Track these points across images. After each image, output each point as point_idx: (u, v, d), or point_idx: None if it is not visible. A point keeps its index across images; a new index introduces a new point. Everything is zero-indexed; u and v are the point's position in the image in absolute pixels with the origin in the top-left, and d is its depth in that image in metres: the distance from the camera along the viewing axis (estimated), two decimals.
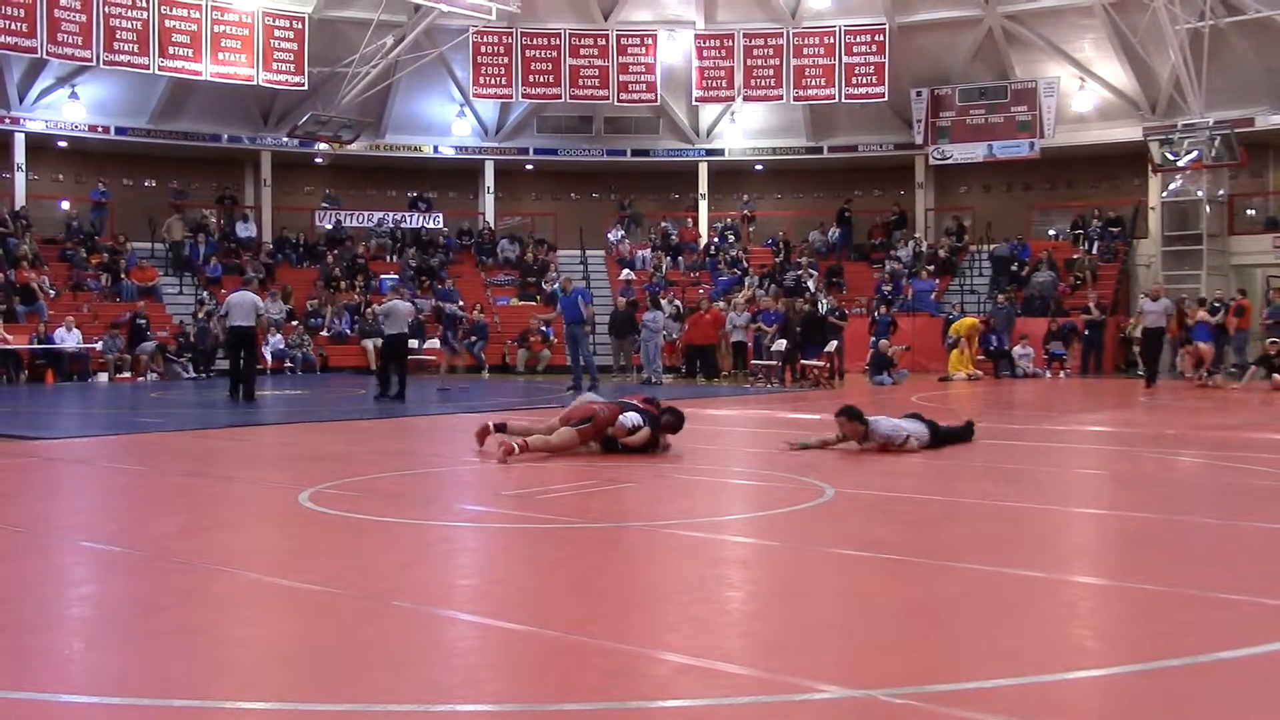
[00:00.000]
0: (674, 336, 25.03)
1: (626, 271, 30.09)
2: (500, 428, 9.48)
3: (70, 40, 26.24)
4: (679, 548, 5.42)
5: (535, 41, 30.87)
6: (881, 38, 30.14)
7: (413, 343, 25.90)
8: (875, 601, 4.34)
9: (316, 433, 11.55)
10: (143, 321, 25.00)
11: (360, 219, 32.29)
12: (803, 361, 21.38)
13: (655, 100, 31.44)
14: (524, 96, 31.13)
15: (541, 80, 31.01)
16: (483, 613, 4.19)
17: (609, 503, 6.87)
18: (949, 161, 31.07)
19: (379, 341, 25.92)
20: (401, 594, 4.44)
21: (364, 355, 26.14)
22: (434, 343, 26.71)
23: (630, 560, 5.19)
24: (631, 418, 9.10)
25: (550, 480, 7.82)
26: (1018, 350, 24.68)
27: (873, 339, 23.65)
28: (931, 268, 29.69)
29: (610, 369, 23.85)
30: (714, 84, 31.36)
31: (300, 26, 29.04)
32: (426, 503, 6.84)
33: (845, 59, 30.42)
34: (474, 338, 26.70)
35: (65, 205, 29.93)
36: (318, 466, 8.47)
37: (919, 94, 30.80)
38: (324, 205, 32.48)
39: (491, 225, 32.72)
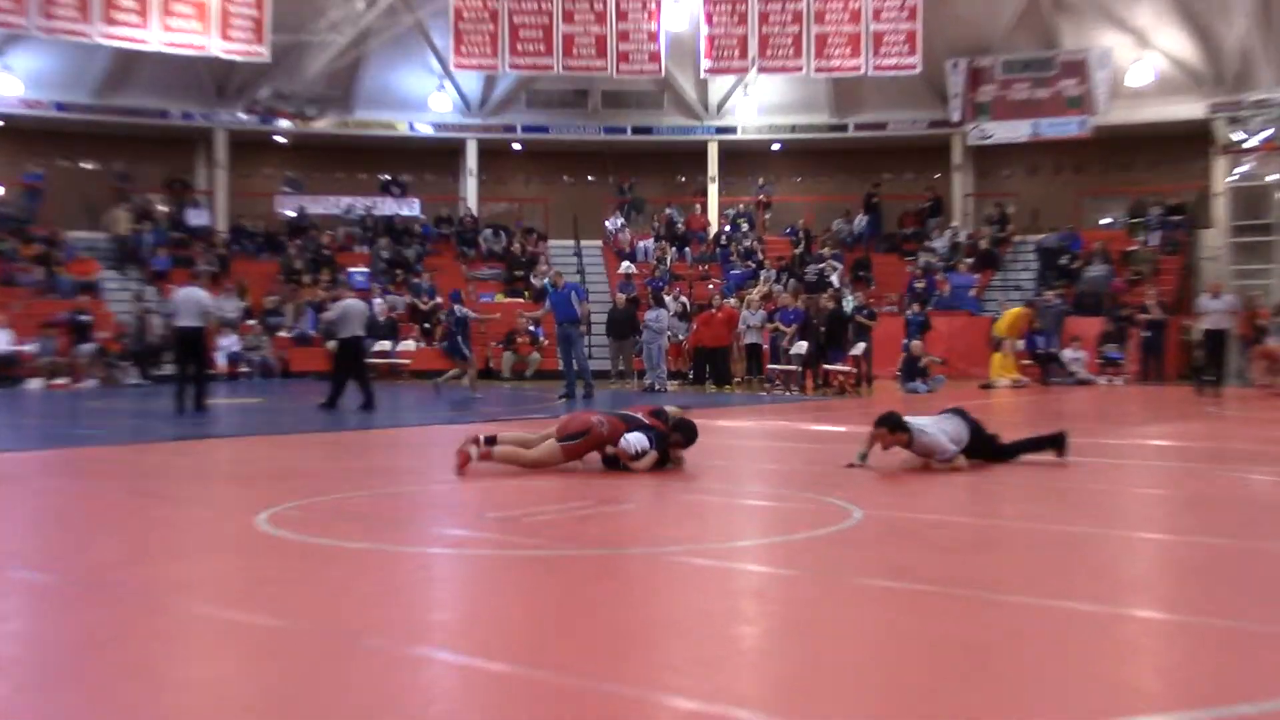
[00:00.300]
0: (680, 338, 25.05)
1: (626, 264, 30.12)
2: (490, 440, 9.29)
3: (1, 5, 26.27)
4: (685, 577, 5.40)
5: (524, 6, 30.89)
6: (914, 2, 30.16)
7: (382, 344, 26.16)
8: (908, 639, 4.31)
9: (276, 447, 11.54)
10: (83, 320, 25.00)
11: (326, 205, 32.36)
12: (826, 366, 21.37)
13: (659, 72, 31.46)
14: (511, 68, 31.15)
15: (531, 49, 31.04)
16: (464, 652, 4.16)
17: (606, 526, 6.84)
18: (989, 141, 31.09)
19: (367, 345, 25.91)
20: (372, 630, 4.42)
21: (331, 359, 26.15)
22: (408, 344, 26.74)
23: (631, 592, 5.17)
24: (637, 440, 9.03)
25: (540, 501, 7.80)
26: (1068, 353, 24.69)
27: (905, 341, 23.65)
28: (970, 260, 29.72)
29: (608, 374, 23.86)
30: (725, 54, 31.38)
31: None
32: (400, 526, 6.82)
33: (873, 26, 30.44)
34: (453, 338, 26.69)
35: None
36: (277, 485, 8.46)
37: (955, 66, 30.83)
38: (286, 190, 32.54)
39: (474, 212, 32.76)
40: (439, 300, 28.51)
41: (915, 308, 24.86)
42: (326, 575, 5.41)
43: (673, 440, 9.14)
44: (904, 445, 9.01)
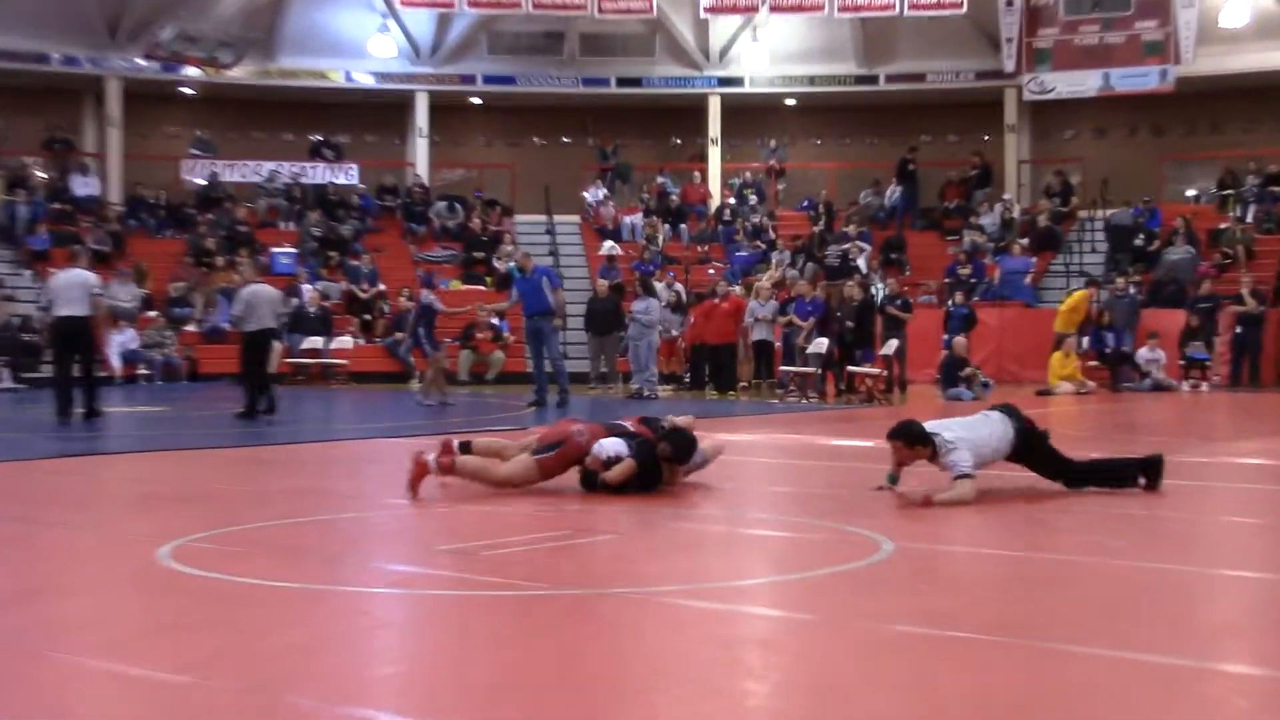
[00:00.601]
0: (674, 333, 25.07)
1: (609, 244, 30.12)
2: (465, 447, 9.28)
3: None
4: (679, 622, 5.41)
5: None
6: None
7: (312, 341, 26.15)
8: (946, 698, 4.33)
9: (183, 464, 11.53)
10: None
11: (244, 172, 32.34)
12: (850, 368, 21.42)
13: (650, 11, 31.53)
14: (470, 4, 31.17)
15: None
16: (409, 713, 4.17)
17: (584, 561, 6.85)
18: (1050, 96, 31.19)
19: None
20: (299, 686, 4.42)
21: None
22: (344, 341, 26.74)
23: (613, 640, 5.18)
24: (612, 445, 9.04)
25: (504, 530, 7.79)
26: (1144, 353, 24.75)
27: (945, 338, 23.68)
28: (1025, 241, 29.80)
29: (587, 377, 23.86)
30: None
31: None
32: (335, 561, 6.83)
33: None
34: (399, 335, 26.73)
35: None
36: (184, 511, 8.46)
37: (1010, 4, 30.90)
38: (194, 152, 32.48)
39: (424, 181, 32.75)
40: (381, 287, 28.51)
41: (957, 298, 24.91)
42: (242, 620, 5.41)
43: (660, 451, 9.09)
44: (929, 460, 8.73)
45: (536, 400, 18.89)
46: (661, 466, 9.16)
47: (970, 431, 8.73)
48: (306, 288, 27.66)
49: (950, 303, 24.99)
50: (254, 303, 16.61)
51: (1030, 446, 8.93)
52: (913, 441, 8.71)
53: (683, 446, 9.19)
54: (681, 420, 9.66)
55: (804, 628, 5.35)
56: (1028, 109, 32.32)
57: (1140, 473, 9.09)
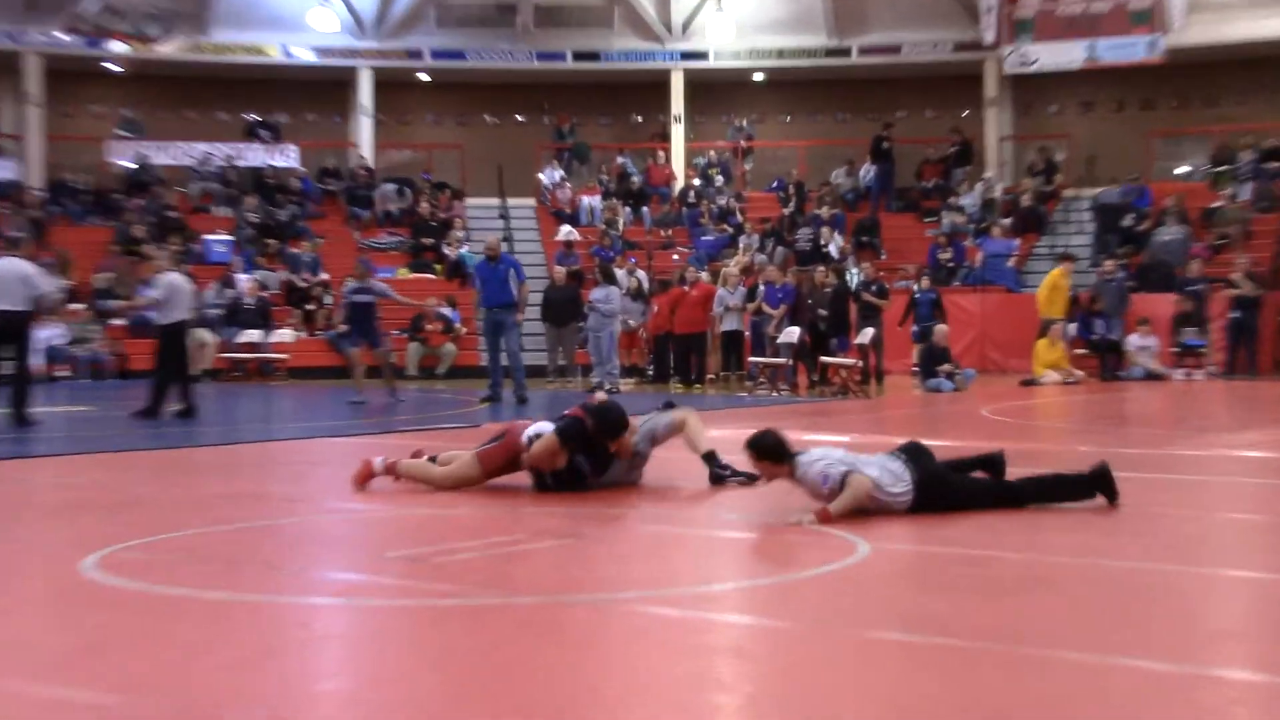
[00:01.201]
0: (635, 323, 25.09)
1: (567, 229, 30.14)
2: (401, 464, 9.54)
3: None
4: (644, 632, 5.40)
5: None
6: None
7: (249, 334, 26.03)
8: (927, 708, 4.33)
9: (110, 469, 11.47)
10: None
11: (175, 154, 32.18)
12: (824, 359, 21.47)
13: None
14: None
15: None
16: None
17: (541, 567, 6.84)
18: (1032, 69, 31.36)
19: (202, 332, 25.62)
20: (237, 705, 4.39)
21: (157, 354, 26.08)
22: (284, 334, 26.63)
23: (573, 652, 5.17)
24: (535, 426, 9.19)
25: (456, 534, 7.76)
26: (1134, 340, 24.92)
27: (914, 329, 23.79)
28: (1008, 222, 29.95)
29: (544, 371, 23.85)
30: None
31: None
32: (275, 570, 6.80)
33: None
34: (343, 327, 26.63)
35: None
36: (112, 519, 8.41)
37: None
38: (120, 133, 32.28)
39: (369, 163, 32.66)
40: (324, 277, 28.41)
41: (923, 283, 24.85)
42: (176, 635, 5.37)
43: (592, 427, 9.01)
44: (788, 479, 8.15)
45: (491, 396, 18.87)
46: (604, 448, 9.15)
47: (851, 462, 8.05)
48: (243, 278, 27.55)
49: (916, 288, 24.97)
50: (172, 293, 16.47)
51: (942, 494, 8.07)
52: (766, 456, 8.12)
53: (607, 420, 9.13)
54: (677, 416, 9.72)
55: (777, 635, 5.35)
56: (1009, 82, 32.47)
57: (1090, 489, 8.39)
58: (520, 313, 19.53)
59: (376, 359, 20.26)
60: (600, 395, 9.97)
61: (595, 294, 22.54)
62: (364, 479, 9.48)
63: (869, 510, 7.86)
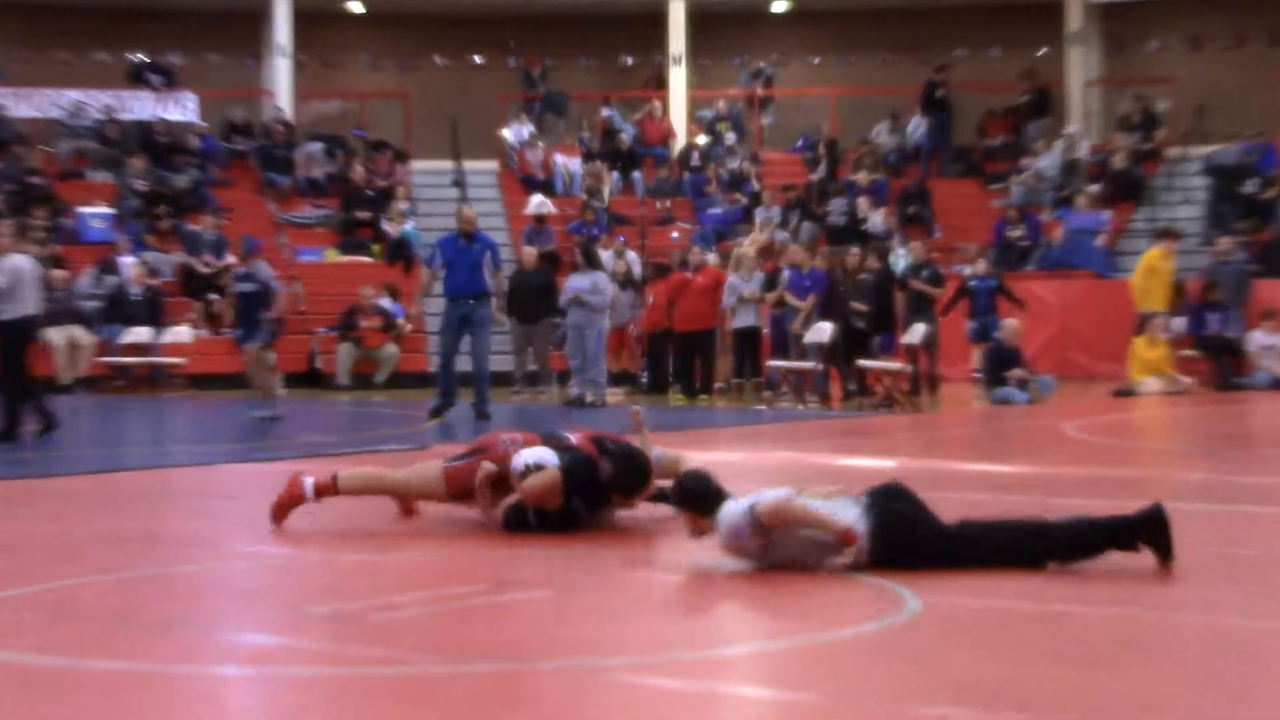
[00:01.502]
0: (625, 318, 25.06)
1: (538, 199, 30.07)
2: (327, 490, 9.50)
3: None
4: (635, 707, 5.41)
5: None
6: None
7: (136, 332, 25.99)
8: None
9: None
10: None
11: (40, 104, 32.07)
12: (863, 363, 21.48)
13: None
14: None
15: None
16: None
17: (507, 625, 6.85)
18: None
19: (74, 331, 25.59)
20: None
21: (48, 354, 25.96)
22: (180, 333, 26.57)
23: None
24: (534, 454, 9.10)
25: (400, 583, 7.78)
26: (1258, 338, 24.91)
27: (971, 325, 23.76)
28: (1097, 189, 29.94)
29: (509, 378, 23.82)
30: None
31: None
32: (170, 630, 6.80)
33: None
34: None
35: None
36: None
37: None
38: None
39: (287, 116, 32.61)
40: (231, 260, 28.38)
41: (979, 266, 24.74)
42: (46, 714, 5.37)
43: (604, 473, 9.09)
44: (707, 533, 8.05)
45: (440, 408, 18.76)
46: (605, 495, 9.17)
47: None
48: (127, 261, 27.45)
49: (969, 272, 24.89)
50: (14, 280, 16.34)
51: (911, 547, 7.79)
52: (693, 505, 7.99)
53: (630, 473, 9.15)
54: (672, 457, 9.70)
55: (802, 713, 5.36)
56: (1097, 12, 32.51)
57: (1137, 537, 7.84)
58: (500, 309, 19.55)
59: (246, 358, 20.01)
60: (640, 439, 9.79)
61: (575, 282, 22.36)
62: (287, 507, 9.36)
63: (808, 565, 7.72)
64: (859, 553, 7.72)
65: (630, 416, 9.68)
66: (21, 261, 16.67)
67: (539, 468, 8.94)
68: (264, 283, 19.41)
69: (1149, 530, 7.76)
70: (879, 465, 13.63)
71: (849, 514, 7.75)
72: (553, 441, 9.29)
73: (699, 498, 7.93)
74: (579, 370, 22.05)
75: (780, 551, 7.73)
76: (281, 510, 9.39)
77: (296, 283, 26.39)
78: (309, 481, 9.39)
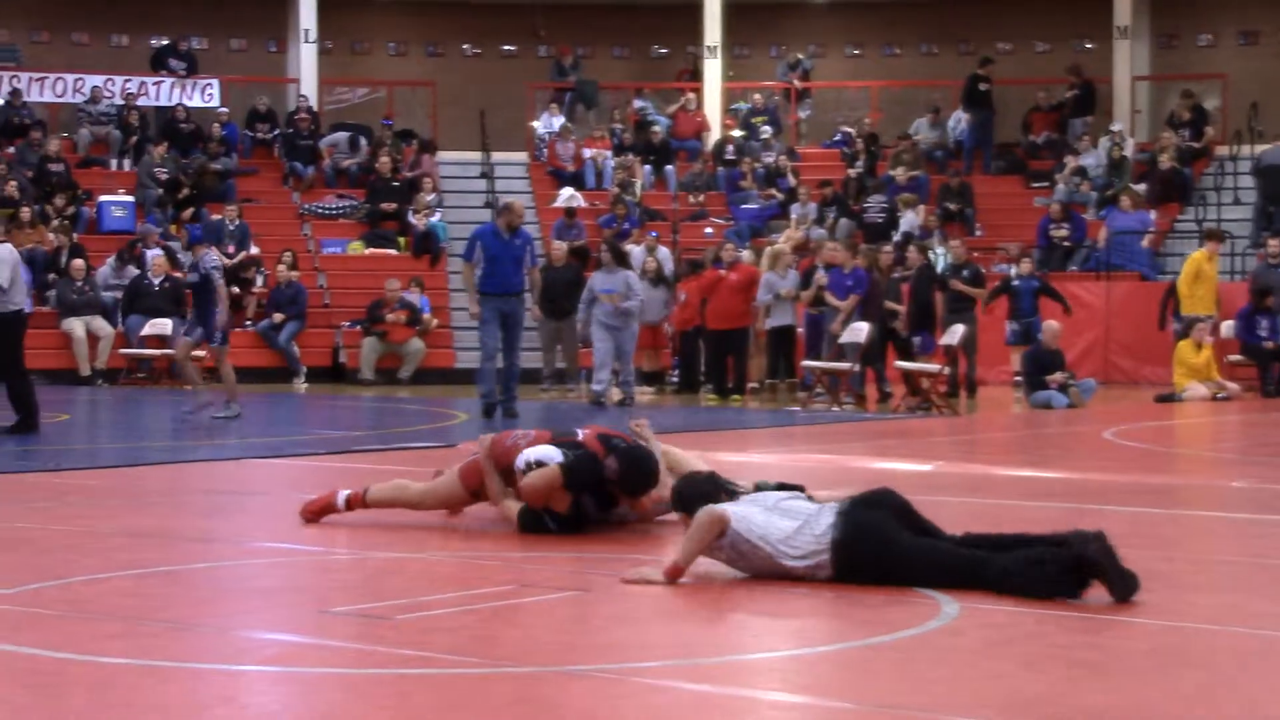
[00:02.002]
0: (660, 317, 25.01)
1: (568, 192, 30.08)
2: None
3: None
4: (667, 713, 5.41)
5: None
6: None
7: (157, 324, 25.99)
8: None
9: None
10: None
11: (59, 88, 32.11)
12: (900, 364, 21.43)
13: None
14: None
15: None
16: None
17: (535, 628, 6.85)
18: None
19: (94, 322, 25.64)
20: None
21: (69, 346, 26.04)
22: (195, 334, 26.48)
23: None
24: (537, 452, 9.13)
25: (426, 585, 7.77)
26: None
27: (1012, 327, 23.69)
28: (1143, 188, 29.84)
29: (537, 376, 23.79)
30: None
31: None
32: (191, 628, 6.81)
33: None
34: (278, 316, 26.65)
35: None
36: None
37: None
38: None
39: (313, 104, 32.62)
40: (254, 251, 28.41)
41: (1023, 266, 24.65)
42: (63, 710, 5.38)
43: (606, 469, 9.08)
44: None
45: (490, 407, 18.56)
46: (612, 494, 9.18)
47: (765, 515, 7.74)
48: (155, 253, 27.40)
49: (1013, 271, 24.80)
50: (14, 273, 16.21)
51: (873, 562, 7.50)
52: (679, 504, 8.09)
53: (637, 469, 9.09)
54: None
55: (836, 719, 5.36)
56: (1146, 6, 32.37)
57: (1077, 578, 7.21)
58: (536, 304, 19.49)
59: (178, 351, 19.56)
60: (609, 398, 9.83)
61: (600, 281, 21.99)
62: (317, 512, 9.52)
63: (763, 573, 7.55)
64: (819, 567, 7.49)
65: (633, 428, 9.67)
66: (6, 250, 16.46)
67: (540, 464, 8.98)
68: (205, 274, 18.53)
69: (1089, 564, 7.15)
70: (914, 469, 13.62)
71: (823, 522, 7.55)
72: (563, 438, 9.30)
73: (695, 501, 7.85)
74: (600, 366, 21.57)
75: (742, 561, 7.63)
76: (312, 513, 9.53)
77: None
78: (342, 495, 9.53)
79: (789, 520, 7.62)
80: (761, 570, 7.60)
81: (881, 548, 7.50)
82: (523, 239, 19.02)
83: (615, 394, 21.40)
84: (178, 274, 27.22)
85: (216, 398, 18.65)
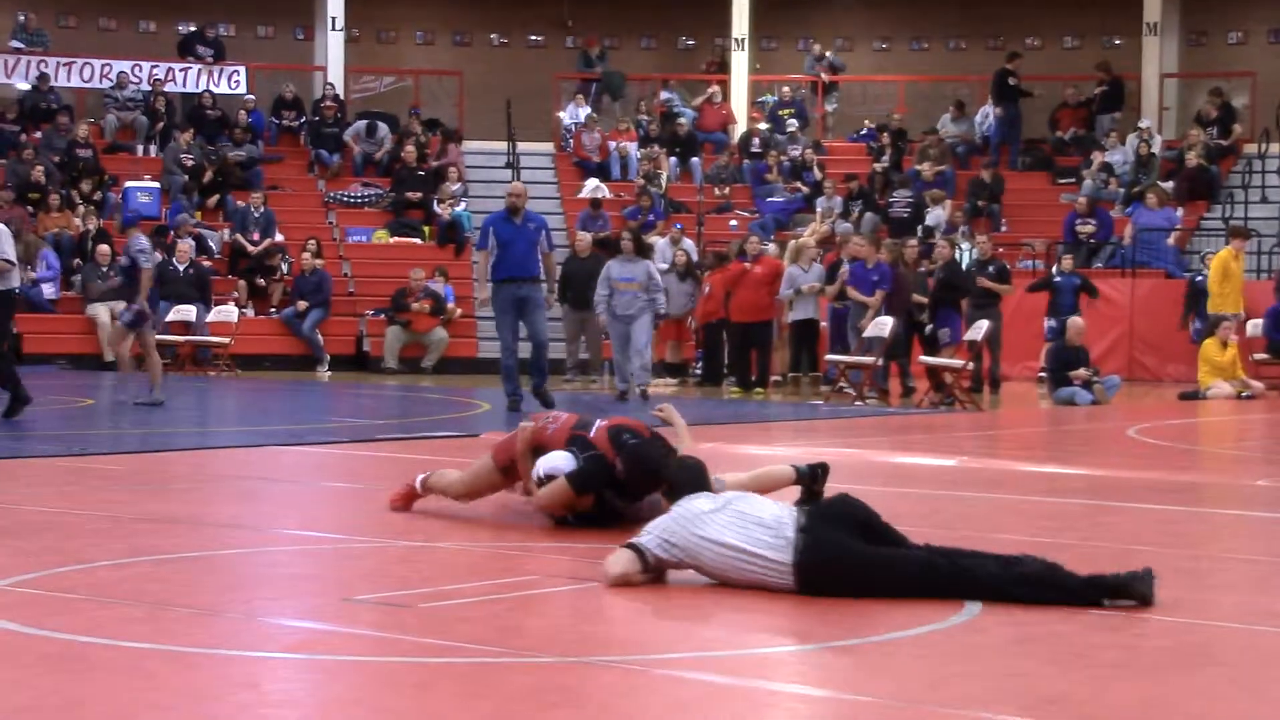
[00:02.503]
0: (683, 310, 25.00)
1: (594, 183, 30.10)
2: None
3: None
4: (688, 705, 5.42)
5: None
6: None
7: (182, 310, 26.05)
8: None
9: (3, 479, 11.51)
10: None
11: (86, 75, 32.17)
12: (925, 359, 21.42)
13: None
14: None
15: None
16: None
17: (558, 618, 6.86)
18: None
19: (118, 309, 25.63)
20: None
21: (94, 331, 26.11)
22: (226, 311, 26.53)
23: None
24: (550, 462, 9.07)
25: (449, 573, 7.79)
26: None
27: (1050, 324, 23.64)
28: (1170, 185, 29.77)
29: (561, 366, 23.79)
30: None
31: None
32: (214, 614, 6.83)
33: None
34: (303, 304, 26.70)
35: None
36: (3, 545, 8.44)
37: None
38: (15, 46, 32.33)
39: (339, 91, 32.66)
40: (279, 239, 28.44)
41: (1064, 263, 24.67)
42: (87, 695, 5.40)
43: (617, 471, 8.99)
44: None
45: (515, 401, 18.19)
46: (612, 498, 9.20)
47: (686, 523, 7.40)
48: (187, 243, 27.40)
49: (1056, 270, 24.83)
50: (6, 247, 16.09)
51: (838, 574, 7.14)
52: (669, 492, 7.78)
53: (640, 470, 8.88)
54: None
55: (858, 714, 5.36)
56: (1176, 3, 32.28)
57: (1112, 592, 7.00)
58: (551, 291, 19.04)
59: (111, 337, 19.46)
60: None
61: (617, 270, 21.03)
62: (405, 500, 9.62)
63: (731, 581, 7.24)
64: (786, 583, 7.15)
65: (656, 414, 9.65)
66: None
67: (551, 477, 8.95)
68: (132, 258, 18.32)
69: (1124, 591, 6.96)
70: (937, 464, 13.62)
71: (789, 528, 7.19)
72: (581, 432, 9.21)
73: (685, 489, 7.64)
74: (620, 361, 20.97)
75: (705, 563, 7.32)
76: (400, 502, 9.63)
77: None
78: (419, 479, 9.62)
79: (730, 531, 7.21)
80: (725, 574, 7.24)
81: (841, 568, 7.10)
82: (535, 223, 18.61)
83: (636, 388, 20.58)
84: (203, 260, 27.30)
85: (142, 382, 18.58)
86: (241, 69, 32.74)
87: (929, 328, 21.78)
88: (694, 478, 7.70)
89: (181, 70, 32.43)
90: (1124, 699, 5.48)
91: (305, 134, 32.09)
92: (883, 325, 21.33)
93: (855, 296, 22.27)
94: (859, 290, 22.24)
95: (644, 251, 22.07)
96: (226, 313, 26.68)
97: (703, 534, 7.22)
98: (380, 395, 22.51)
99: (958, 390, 20.69)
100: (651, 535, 7.32)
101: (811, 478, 9.02)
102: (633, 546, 7.29)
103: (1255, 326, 24.96)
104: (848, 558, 7.11)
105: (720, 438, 14.39)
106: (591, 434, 9.17)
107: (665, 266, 24.07)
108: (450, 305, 27.14)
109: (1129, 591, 6.92)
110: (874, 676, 5.88)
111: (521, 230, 18.22)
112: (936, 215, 28.20)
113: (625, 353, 20.73)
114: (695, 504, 7.38)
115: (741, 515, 7.27)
